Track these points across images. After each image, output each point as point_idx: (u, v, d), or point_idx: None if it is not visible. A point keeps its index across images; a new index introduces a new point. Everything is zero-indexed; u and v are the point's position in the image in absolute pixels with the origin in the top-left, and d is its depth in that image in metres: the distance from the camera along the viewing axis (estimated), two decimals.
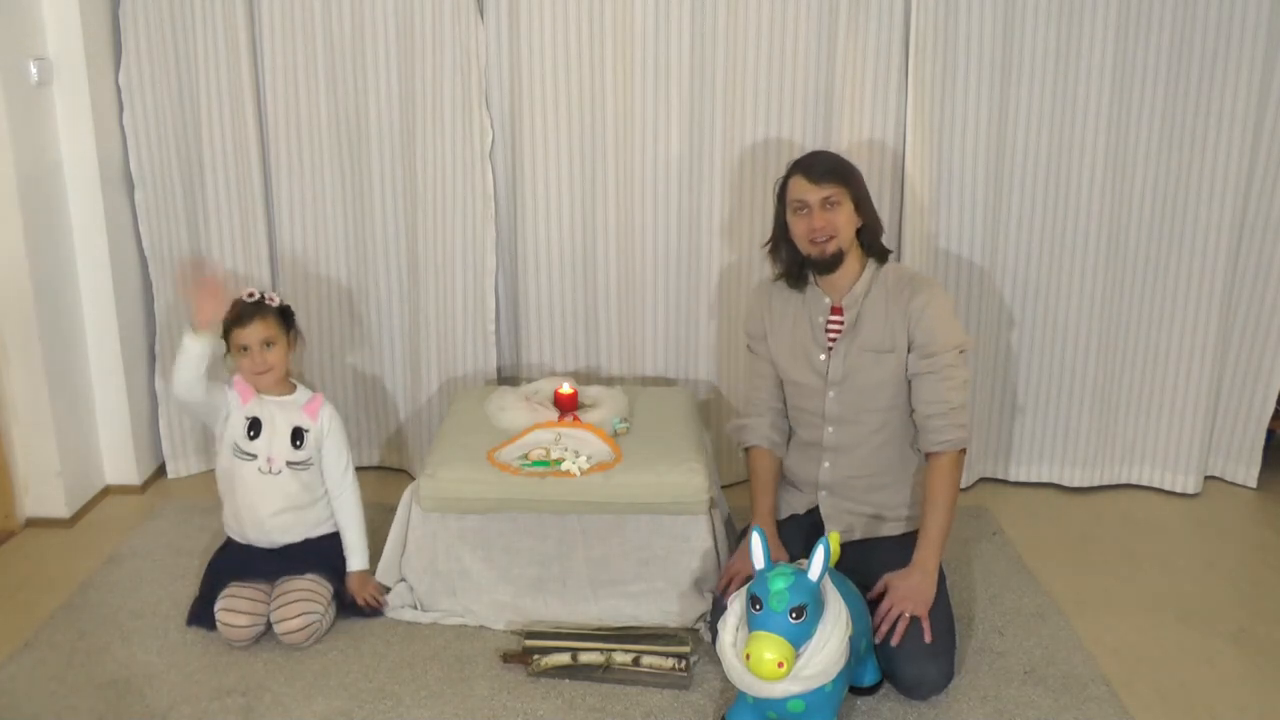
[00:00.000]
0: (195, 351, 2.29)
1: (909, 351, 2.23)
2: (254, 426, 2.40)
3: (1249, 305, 3.05)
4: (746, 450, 2.44)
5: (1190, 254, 2.96)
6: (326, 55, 2.92)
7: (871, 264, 2.30)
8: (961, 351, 2.22)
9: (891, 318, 2.23)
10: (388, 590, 2.47)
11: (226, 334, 2.38)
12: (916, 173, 2.86)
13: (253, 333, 2.36)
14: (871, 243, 2.30)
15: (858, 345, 2.26)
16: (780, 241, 2.35)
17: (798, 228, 2.26)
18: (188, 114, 2.97)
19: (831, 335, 2.30)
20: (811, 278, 2.34)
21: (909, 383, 2.25)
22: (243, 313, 2.37)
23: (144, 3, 2.85)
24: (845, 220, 2.22)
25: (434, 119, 2.90)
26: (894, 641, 2.07)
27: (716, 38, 2.82)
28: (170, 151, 2.98)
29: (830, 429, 2.31)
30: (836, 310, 2.30)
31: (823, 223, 2.21)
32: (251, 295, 2.41)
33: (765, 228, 2.94)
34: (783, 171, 2.33)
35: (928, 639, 2.07)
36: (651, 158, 2.91)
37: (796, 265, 2.33)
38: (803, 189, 2.23)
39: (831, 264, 2.25)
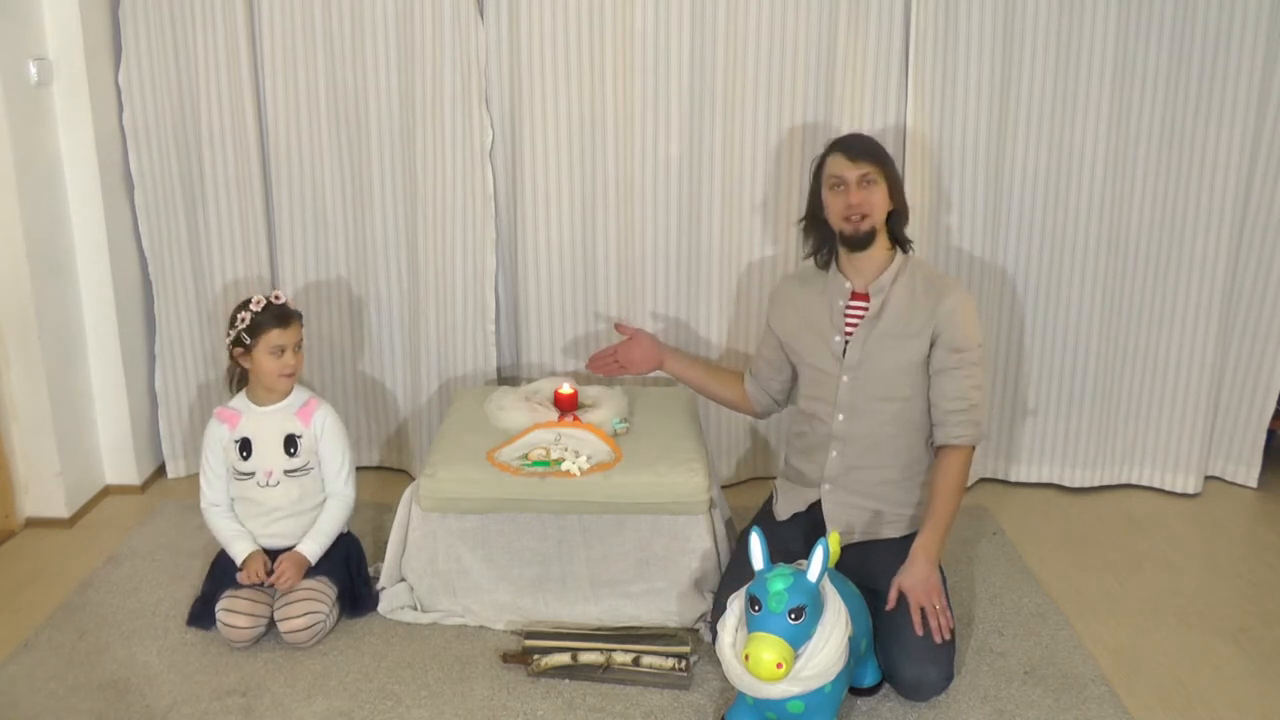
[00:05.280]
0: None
1: (933, 346, 2.24)
2: (245, 447, 2.40)
3: (1249, 305, 3.04)
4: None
5: (1190, 254, 2.96)
6: (326, 55, 2.92)
7: (899, 254, 2.32)
8: (980, 345, 2.25)
9: (916, 311, 2.25)
10: (266, 584, 2.36)
11: (253, 334, 2.34)
12: (916, 172, 2.86)
13: (291, 335, 2.38)
14: (897, 230, 2.32)
15: (879, 331, 2.26)
16: (813, 220, 2.38)
17: (834, 204, 2.28)
18: (188, 114, 2.97)
19: (851, 321, 2.31)
20: (835, 263, 2.36)
21: (930, 377, 2.26)
22: (281, 314, 2.38)
23: (144, 3, 2.85)
24: (879, 200, 2.25)
25: (434, 119, 2.90)
26: (936, 638, 2.07)
27: (716, 37, 2.81)
28: (170, 151, 2.98)
29: (841, 416, 2.31)
30: (856, 296, 2.32)
31: (858, 199, 2.24)
32: (279, 298, 2.41)
33: (765, 227, 2.95)
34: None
35: (939, 639, 2.07)
36: (651, 158, 2.91)
37: (827, 245, 2.37)
38: (840, 166, 2.26)
39: (864, 241, 2.27)
